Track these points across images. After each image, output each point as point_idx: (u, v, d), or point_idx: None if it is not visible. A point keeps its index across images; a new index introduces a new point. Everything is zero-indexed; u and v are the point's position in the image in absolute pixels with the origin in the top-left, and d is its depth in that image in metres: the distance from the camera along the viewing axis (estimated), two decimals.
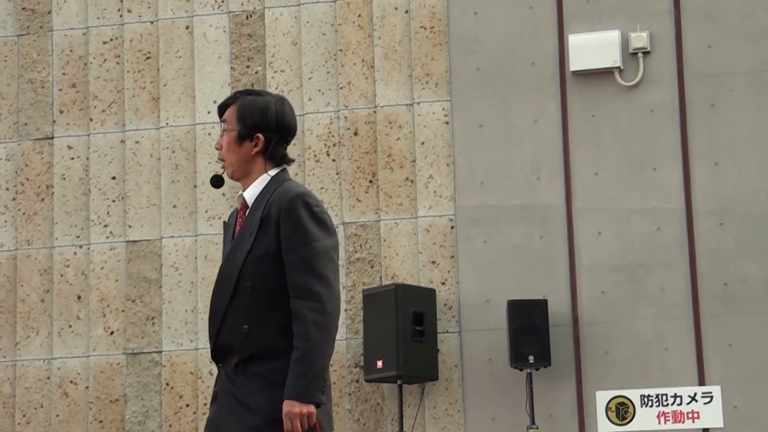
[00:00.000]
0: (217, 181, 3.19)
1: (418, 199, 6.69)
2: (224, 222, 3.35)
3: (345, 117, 6.86)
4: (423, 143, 6.72)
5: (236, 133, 3.15)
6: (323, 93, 6.95)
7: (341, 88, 6.90)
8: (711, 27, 6.60)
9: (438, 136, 6.73)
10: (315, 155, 6.87)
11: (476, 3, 6.82)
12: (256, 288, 3.10)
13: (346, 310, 6.63)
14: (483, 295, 6.59)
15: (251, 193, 3.15)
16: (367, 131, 6.85)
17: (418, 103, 6.77)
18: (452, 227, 6.63)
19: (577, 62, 6.62)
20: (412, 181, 6.69)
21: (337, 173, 6.87)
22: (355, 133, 6.87)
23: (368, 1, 6.91)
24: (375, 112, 6.81)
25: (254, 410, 3.05)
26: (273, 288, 3.09)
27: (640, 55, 6.60)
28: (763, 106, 6.57)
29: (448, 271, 6.61)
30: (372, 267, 6.73)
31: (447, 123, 6.73)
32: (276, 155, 3.21)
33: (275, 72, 7.06)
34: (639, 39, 6.57)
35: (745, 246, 6.39)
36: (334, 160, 6.89)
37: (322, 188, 6.77)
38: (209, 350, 3.18)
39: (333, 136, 6.91)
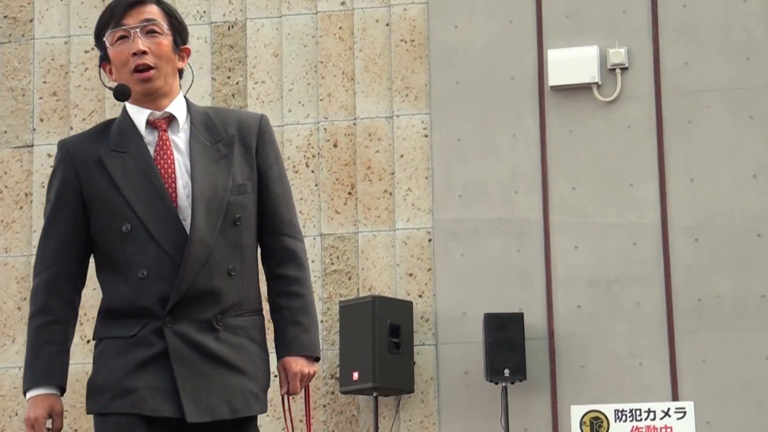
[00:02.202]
0: (123, 94, 2.56)
1: (396, 212, 6.61)
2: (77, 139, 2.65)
3: (325, 129, 6.80)
4: (402, 156, 6.65)
5: (172, 40, 2.59)
6: (303, 105, 6.91)
7: (321, 99, 6.84)
8: (688, 44, 6.57)
9: (417, 148, 6.67)
10: (294, 166, 6.79)
11: (456, 17, 6.76)
12: (243, 222, 2.56)
13: (322, 321, 6.52)
14: (460, 308, 6.52)
15: (178, 112, 2.60)
16: (347, 143, 6.78)
17: (398, 116, 6.70)
18: (430, 240, 6.55)
19: (555, 77, 6.57)
20: (390, 194, 6.62)
21: (316, 185, 6.80)
22: (335, 145, 6.81)
23: (349, 14, 6.84)
24: (355, 124, 6.74)
25: (249, 374, 2.51)
26: (253, 224, 2.60)
27: (618, 71, 6.55)
28: (739, 123, 6.54)
29: (425, 284, 6.53)
30: (349, 279, 6.64)
31: (426, 136, 6.67)
32: (183, 76, 2.72)
33: (256, 83, 7.02)
34: (617, 55, 6.52)
35: (719, 262, 6.35)
36: (313, 172, 6.83)
37: (301, 199, 6.67)
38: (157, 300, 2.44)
39: (312, 148, 6.86)
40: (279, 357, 2.55)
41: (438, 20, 6.79)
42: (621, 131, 6.54)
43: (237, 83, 7.05)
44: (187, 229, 2.45)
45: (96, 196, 2.51)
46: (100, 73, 2.68)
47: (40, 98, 7.04)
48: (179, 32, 2.61)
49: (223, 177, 2.52)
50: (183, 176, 2.51)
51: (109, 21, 2.58)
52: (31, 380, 2.46)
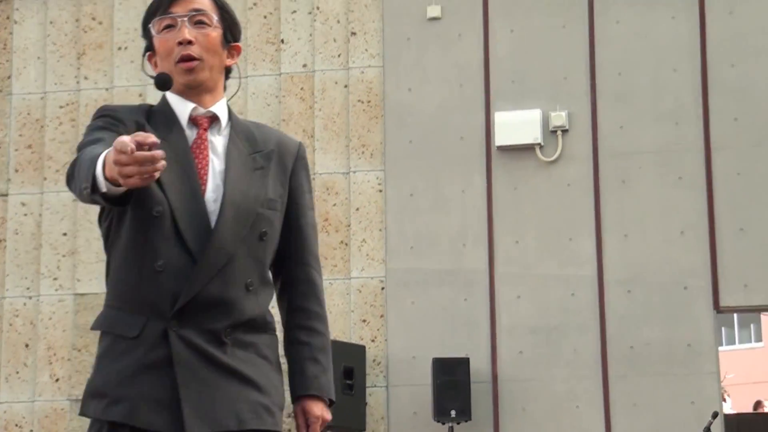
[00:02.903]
0: (165, 83, 2.33)
1: (351, 261, 6.86)
2: (115, 116, 2.34)
3: None
4: (358, 209, 6.91)
5: (221, 33, 2.40)
6: None
7: None
8: (623, 109, 6.93)
9: (372, 202, 6.93)
10: None
11: (410, 80, 7.07)
12: (268, 239, 2.35)
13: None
14: (410, 352, 6.76)
15: (221, 113, 2.39)
16: None
17: (354, 172, 6.97)
18: (383, 288, 6.81)
19: (501, 138, 6.88)
20: (346, 244, 6.87)
21: None
22: None
23: (310, 75, 7.12)
24: (314, 179, 6.94)
25: (263, 389, 2.28)
26: (275, 244, 2.38)
27: (559, 132, 6.89)
28: (669, 183, 6.91)
29: (378, 329, 6.77)
30: None
31: (380, 191, 6.94)
32: (230, 76, 2.49)
33: None
34: (558, 118, 6.86)
35: (650, 312, 6.68)
36: None
37: None
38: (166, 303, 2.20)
39: None
40: (296, 394, 2.35)
41: (393, 83, 7.10)
42: (561, 189, 6.88)
43: None
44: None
45: None
46: (143, 63, 2.49)
47: (16, 150, 7.26)
48: (230, 27, 2.43)
49: (256, 187, 2.33)
50: (215, 179, 2.32)
51: (156, 9, 2.40)
52: (96, 158, 2.09)
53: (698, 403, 6.56)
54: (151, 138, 1.95)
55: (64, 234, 7.21)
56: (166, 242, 2.21)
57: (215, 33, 2.36)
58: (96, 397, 2.23)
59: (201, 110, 2.34)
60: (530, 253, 6.81)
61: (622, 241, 6.72)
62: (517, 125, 6.86)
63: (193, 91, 2.35)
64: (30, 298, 7.04)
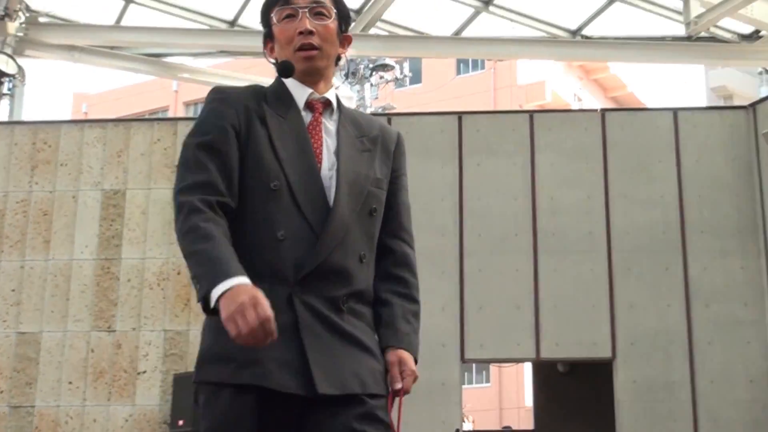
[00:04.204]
0: (288, 70, 2.35)
1: None
2: (226, 99, 2.31)
3: (172, 262, 8.54)
4: None
5: (338, 25, 2.42)
6: (159, 247, 8.58)
7: (171, 244, 8.42)
8: None
9: None
10: (150, 285, 8.52)
11: None
12: (377, 215, 2.34)
13: (160, 386, 8.27)
14: None
15: (333, 100, 2.42)
16: (186, 273, 7.74)
17: None
18: None
19: None
20: None
21: (164, 297, 8.50)
22: (178, 273, 8.52)
23: None
24: None
25: (377, 356, 2.25)
26: (381, 221, 2.37)
27: None
28: (435, 275, 8.19)
29: None
30: (182, 359, 8.43)
31: None
32: (339, 64, 2.48)
33: (129, 230, 8.66)
34: None
35: (420, 361, 8.44)
36: (162, 289, 8.52)
37: (152, 306, 8.45)
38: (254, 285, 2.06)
39: (163, 273, 8.55)
40: (390, 345, 2.27)
41: None
42: None
43: (116, 229, 8.57)
44: (330, 204, 2.22)
45: (251, 147, 2.24)
46: (264, 51, 2.46)
47: None
48: (344, 19, 2.42)
49: (365, 167, 2.32)
50: (330, 158, 2.29)
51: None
52: (221, 273, 2.03)
53: (447, 422, 8.13)
54: (271, 323, 1.93)
55: (13, 290, 8.54)
56: (285, 214, 2.16)
57: (333, 25, 2.35)
58: (219, 362, 2.10)
59: (316, 95, 2.34)
60: None
61: None
62: None
63: (310, 78, 2.34)
64: None
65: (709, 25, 10.01)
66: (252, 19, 11.03)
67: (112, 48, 11.10)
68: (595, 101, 30.87)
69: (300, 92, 2.37)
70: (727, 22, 10.42)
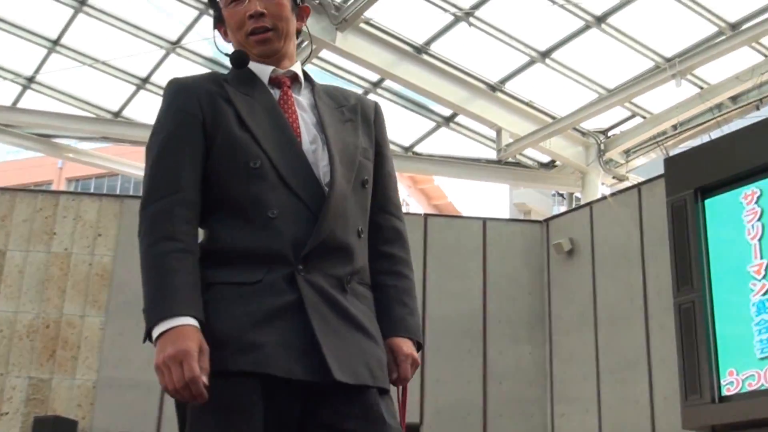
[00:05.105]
0: (242, 61, 2.15)
1: (77, 367, 9.34)
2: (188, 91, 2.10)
3: (42, 317, 9.28)
4: (87, 337, 9.53)
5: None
6: (32, 303, 9.26)
7: (42, 301, 9.18)
8: None
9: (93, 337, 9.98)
10: (20, 337, 9.25)
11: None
12: (369, 186, 2.15)
13: (21, 427, 8.96)
14: (117, 428, 9.22)
15: (300, 72, 2.22)
16: (54, 327, 9.23)
17: (88, 316, 9.43)
18: (93, 387, 9.36)
19: None
20: (76, 358, 9.35)
21: (32, 348, 9.18)
22: (47, 326, 9.27)
23: (69, 254, 9.54)
24: (61, 317, 9.37)
25: (380, 345, 2.04)
26: (371, 194, 2.17)
27: None
28: None
29: (88, 411, 9.18)
30: (42, 404, 9.08)
31: (101, 329, 9.42)
32: (300, 37, 2.27)
33: (6, 286, 9.33)
34: None
35: None
36: (31, 341, 9.23)
37: (20, 356, 9.04)
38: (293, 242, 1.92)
39: (33, 327, 9.27)
40: (384, 336, 2.05)
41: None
42: None
43: None
44: (320, 178, 2.02)
45: (220, 129, 2.03)
46: (214, 35, 2.23)
47: None
48: None
49: (352, 137, 2.13)
50: (309, 131, 2.09)
51: None
52: (163, 310, 1.83)
53: None
54: (198, 385, 1.76)
55: None
56: (273, 191, 1.97)
57: (285, 0, 2.14)
58: (217, 347, 1.84)
59: (280, 71, 2.15)
60: None
61: None
62: None
63: (270, 60, 2.14)
64: None
65: (516, 152, 11.66)
66: (135, 111, 12.18)
67: (6, 126, 11.87)
68: (420, 207, 33.34)
69: (261, 69, 2.17)
70: (530, 152, 12.15)
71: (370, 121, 2.24)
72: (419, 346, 2.13)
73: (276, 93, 2.16)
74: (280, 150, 2.03)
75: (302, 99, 2.19)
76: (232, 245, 1.96)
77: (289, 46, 2.20)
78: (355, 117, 2.20)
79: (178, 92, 2.09)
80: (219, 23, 2.23)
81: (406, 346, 2.09)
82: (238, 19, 2.14)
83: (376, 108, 2.29)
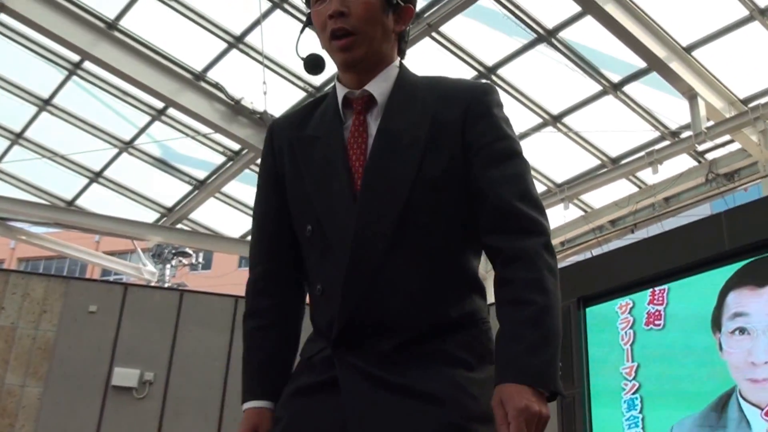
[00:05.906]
0: (316, 65, 1.84)
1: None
2: (271, 137, 1.89)
3: None
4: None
5: None
6: None
7: None
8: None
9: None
10: None
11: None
12: (432, 225, 1.72)
13: None
14: None
15: (380, 90, 1.80)
16: None
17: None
18: None
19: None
20: (13, 426, 8.81)
21: None
22: None
23: (14, 328, 9.10)
24: (2, 386, 8.85)
25: (450, 403, 1.64)
26: (451, 223, 1.75)
27: (147, 384, 7.61)
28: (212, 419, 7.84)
29: None
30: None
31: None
32: (407, 40, 1.88)
33: None
34: (149, 375, 7.59)
35: None
36: None
37: None
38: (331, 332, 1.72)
39: None
40: (496, 384, 1.62)
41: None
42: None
43: None
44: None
45: (289, 186, 1.84)
46: (297, 41, 1.92)
47: None
48: None
49: (402, 168, 1.73)
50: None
51: None
52: (243, 393, 1.86)
53: None
54: None
55: None
56: (321, 261, 1.77)
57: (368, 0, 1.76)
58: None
59: (355, 93, 1.81)
60: None
61: None
62: None
63: (353, 70, 1.81)
64: None
65: None
66: (87, 201, 12.73)
67: None
68: None
69: (340, 91, 1.86)
70: None
71: (462, 124, 1.78)
72: (553, 394, 1.61)
73: (351, 119, 1.83)
74: (330, 208, 1.76)
75: (374, 124, 1.82)
76: (310, 317, 1.87)
77: (378, 54, 1.82)
78: (422, 135, 1.76)
79: (265, 143, 1.93)
80: (310, 26, 1.93)
81: (519, 396, 1.57)
82: (321, 21, 1.84)
83: (479, 97, 1.81)
